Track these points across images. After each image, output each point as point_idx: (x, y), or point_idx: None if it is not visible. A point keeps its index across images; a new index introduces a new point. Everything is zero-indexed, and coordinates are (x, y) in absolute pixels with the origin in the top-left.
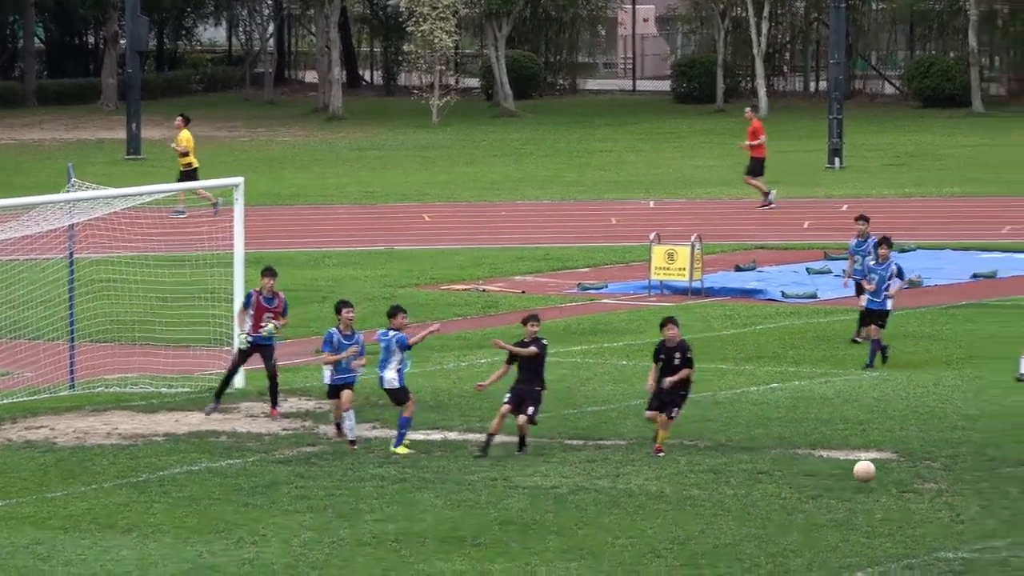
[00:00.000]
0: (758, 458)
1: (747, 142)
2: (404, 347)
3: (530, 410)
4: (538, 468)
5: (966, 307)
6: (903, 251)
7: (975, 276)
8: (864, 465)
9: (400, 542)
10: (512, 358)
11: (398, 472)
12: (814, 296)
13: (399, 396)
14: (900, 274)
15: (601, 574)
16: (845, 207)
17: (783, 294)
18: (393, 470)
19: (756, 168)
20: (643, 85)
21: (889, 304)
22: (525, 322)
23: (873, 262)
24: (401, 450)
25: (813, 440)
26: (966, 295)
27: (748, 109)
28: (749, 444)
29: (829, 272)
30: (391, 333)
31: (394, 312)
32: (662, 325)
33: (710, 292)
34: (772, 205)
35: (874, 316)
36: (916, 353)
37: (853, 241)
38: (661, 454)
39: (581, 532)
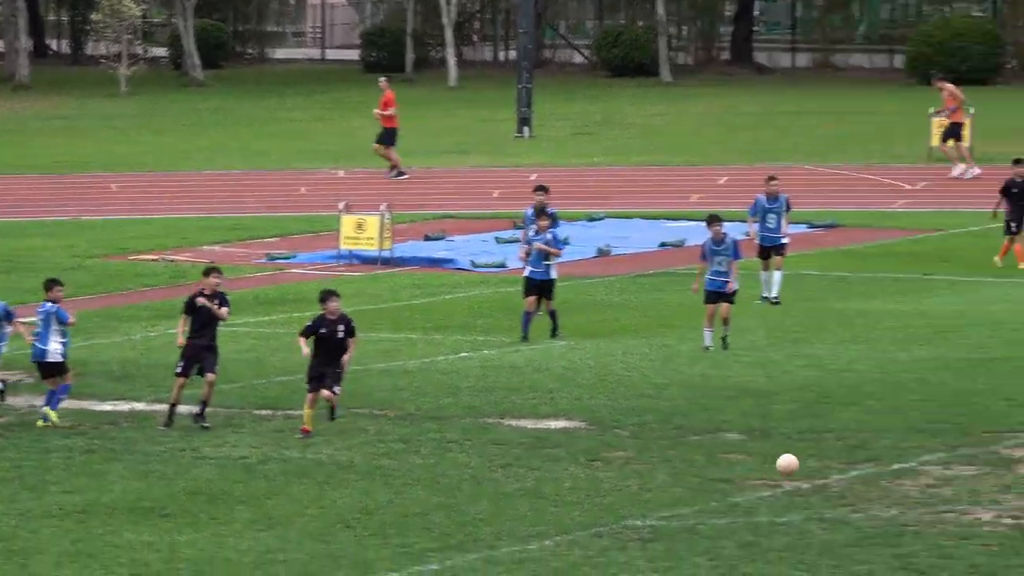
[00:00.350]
0: (447, 427)
1: (379, 111)
2: (62, 321)
3: (218, 369)
4: (227, 438)
5: (654, 276)
6: (592, 220)
7: (663, 245)
8: (788, 460)
9: (87, 513)
10: (190, 309)
11: (86, 443)
12: (503, 265)
13: (57, 370)
14: (555, 243)
15: (289, 544)
16: (534, 176)
17: (472, 263)
18: (81, 441)
19: (387, 138)
20: (332, 54)
21: (553, 273)
22: (207, 273)
23: (534, 232)
24: (54, 415)
25: (502, 409)
26: (654, 264)
27: (382, 79)
28: (438, 413)
29: (518, 241)
30: (48, 305)
31: (50, 285)
32: (323, 299)
33: (400, 262)
34: (404, 176)
35: (540, 287)
36: (605, 322)
37: (530, 211)
38: (309, 435)
39: (270, 502)
